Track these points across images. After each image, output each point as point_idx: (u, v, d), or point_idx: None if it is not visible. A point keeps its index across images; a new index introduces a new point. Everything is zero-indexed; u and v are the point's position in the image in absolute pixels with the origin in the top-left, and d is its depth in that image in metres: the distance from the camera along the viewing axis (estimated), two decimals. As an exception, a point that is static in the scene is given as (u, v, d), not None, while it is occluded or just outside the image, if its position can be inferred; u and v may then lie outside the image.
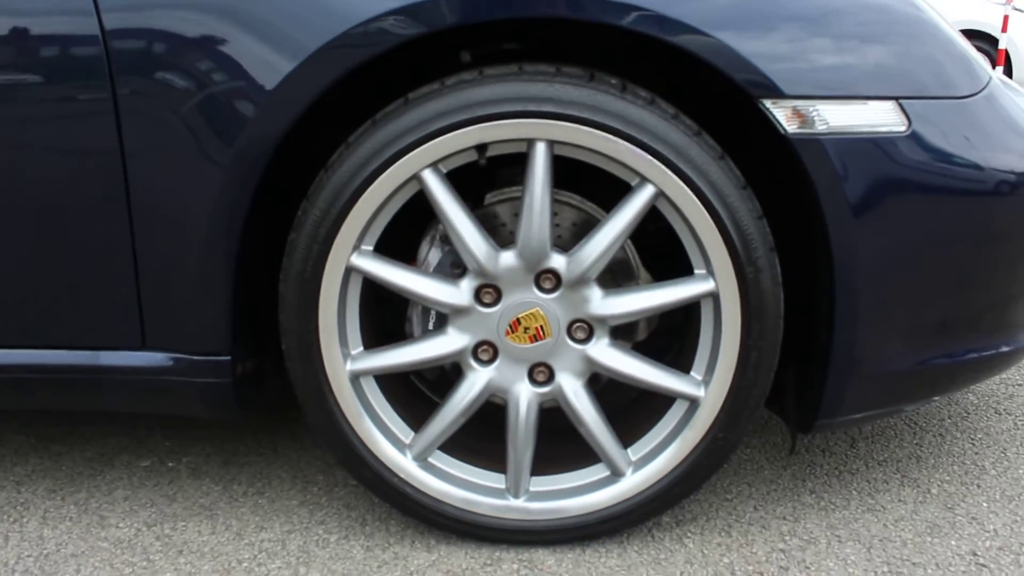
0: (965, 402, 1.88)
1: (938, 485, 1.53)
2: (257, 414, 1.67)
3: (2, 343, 1.35)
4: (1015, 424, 1.77)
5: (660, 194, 1.20)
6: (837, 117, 1.17)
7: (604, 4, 1.14)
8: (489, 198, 1.39)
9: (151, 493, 1.56)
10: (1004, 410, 1.83)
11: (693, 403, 1.29)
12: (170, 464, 1.66)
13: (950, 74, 1.23)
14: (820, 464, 1.62)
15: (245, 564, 1.34)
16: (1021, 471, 1.57)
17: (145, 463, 1.67)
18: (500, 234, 1.38)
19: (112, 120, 1.22)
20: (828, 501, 1.49)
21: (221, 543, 1.40)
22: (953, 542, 1.36)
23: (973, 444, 1.69)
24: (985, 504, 1.47)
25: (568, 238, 1.38)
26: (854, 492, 1.52)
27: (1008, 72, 8.15)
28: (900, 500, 1.49)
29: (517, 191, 1.39)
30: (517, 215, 1.26)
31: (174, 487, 1.58)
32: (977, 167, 1.23)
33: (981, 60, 1.31)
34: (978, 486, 1.53)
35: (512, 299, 1.27)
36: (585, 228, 1.38)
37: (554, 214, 1.26)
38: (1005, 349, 1.38)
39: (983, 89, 1.25)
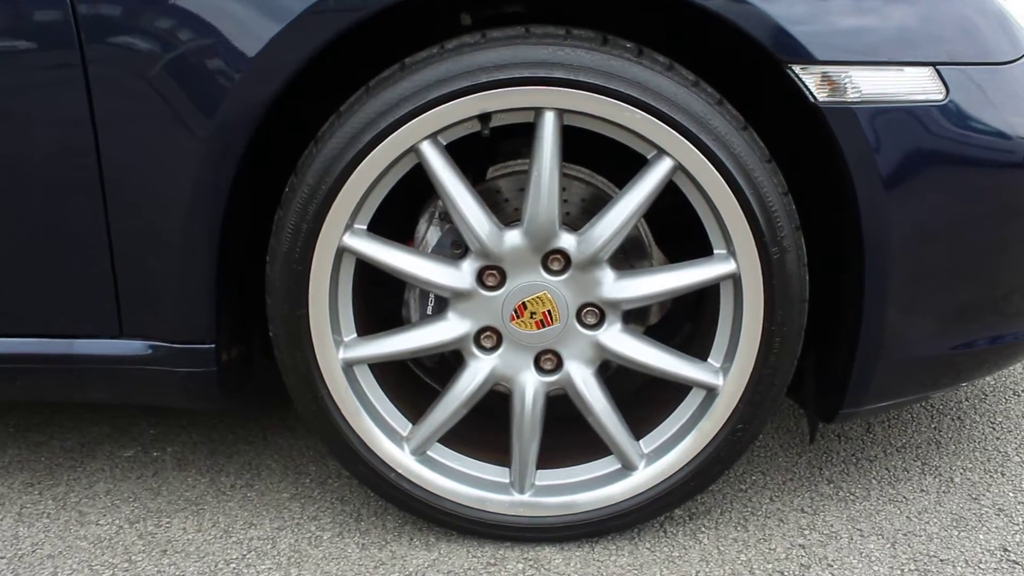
0: (982, 383, 1.81)
1: (960, 473, 1.47)
2: (244, 402, 1.59)
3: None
4: (1037, 407, 1.70)
5: (678, 168, 1.11)
6: (870, 84, 1.08)
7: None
8: (491, 172, 1.30)
9: (134, 486, 1.47)
10: (1023, 391, 1.76)
11: (711, 392, 1.21)
12: (155, 454, 1.58)
13: (990, 38, 1.14)
14: (836, 451, 1.55)
15: (233, 565, 1.26)
16: (1046, 458, 1.51)
17: (128, 453, 1.58)
18: (504, 211, 1.29)
19: (82, 88, 1.12)
20: (847, 491, 1.42)
21: (207, 541, 1.32)
22: (981, 536, 1.30)
23: (993, 428, 1.62)
24: (1012, 494, 1.40)
25: (577, 215, 1.29)
26: (873, 481, 1.45)
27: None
28: (922, 490, 1.42)
29: (522, 164, 1.29)
30: (523, 190, 1.16)
31: (158, 479, 1.49)
32: (1018, 138, 1.14)
33: (1021, 23, 1.22)
34: (1002, 474, 1.46)
35: (518, 282, 1.18)
36: (595, 204, 1.29)
37: (562, 189, 1.17)
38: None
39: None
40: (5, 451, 1.59)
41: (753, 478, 1.47)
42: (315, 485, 1.47)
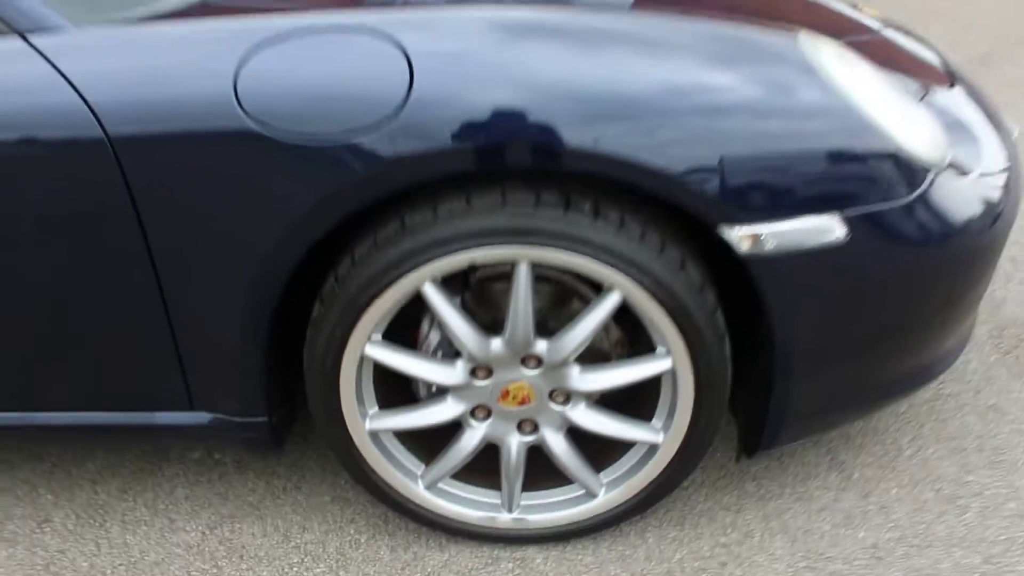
0: (899, 363, 2.15)
1: (859, 469, 1.85)
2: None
3: (74, 407, 1.60)
4: (936, 393, 2.06)
5: (626, 298, 1.40)
6: (784, 234, 1.34)
7: (570, 154, 1.28)
8: (478, 273, 1.58)
9: (206, 491, 1.87)
10: (930, 376, 2.11)
11: (654, 446, 1.57)
12: (216, 456, 1.96)
13: (890, 179, 1.37)
14: (765, 445, 1.92)
15: (296, 568, 1.68)
16: (930, 451, 1.89)
17: (195, 455, 1.96)
18: (490, 303, 1.58)
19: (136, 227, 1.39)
20: (766, 489, 1.81)
21: (272, 546, 1.73)
22: (861, 534, 1.70)
23: (896, 418, 1.98)
24: (895, 490, 1.79)
25: (548, 307, 1.58)
26: (789, 478, 1.84)
27: None
28: (825, 487, 1.81)
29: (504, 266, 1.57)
30: (506, 293, 1.46)
31: (224, 484, 1.88)
32: (903, 264, 1.42)
33: (929, 144, 1.43)
34: (893, 470, 1.84)
35: (502, 375, 1.50)
36: (563, 298, 1.57)
37: (535, 293, 1.45)
38: (916, 382, 1.65)
39: (923, 188, 1.40)
40: (95, 457, 1.97)
41: (695, 475, 1.85)
42: (348, 487, 1.86)
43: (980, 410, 2.00)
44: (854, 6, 2.12)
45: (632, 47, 1.36)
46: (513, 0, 1.46)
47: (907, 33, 2.05)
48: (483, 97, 1.28)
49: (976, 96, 1.85)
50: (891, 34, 1.97)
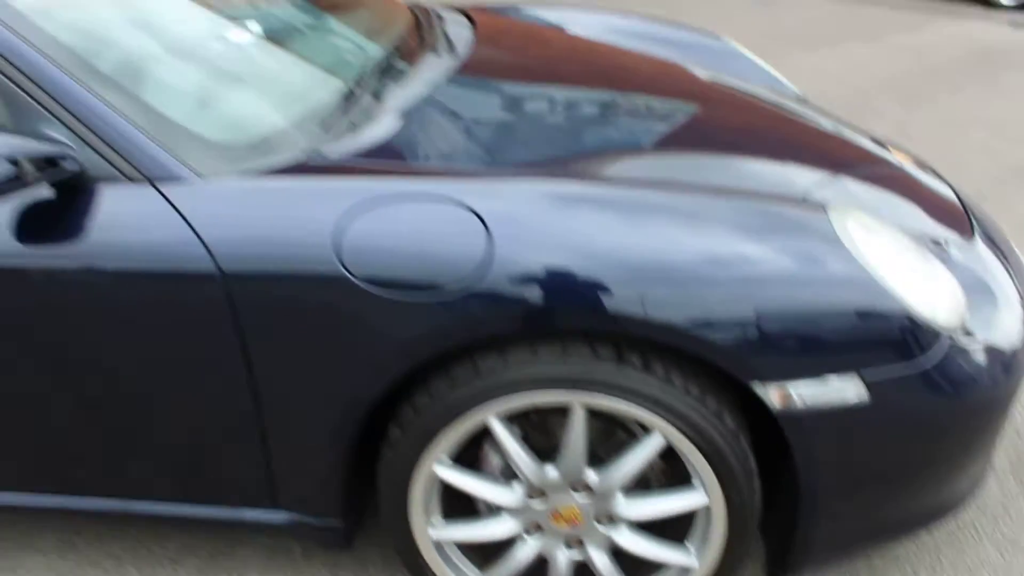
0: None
1: (878, 596, 1.98)
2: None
3: (174, 499, 1.82)
4: (957, 523, 2.18)
5: (668, 440, 1.59)
6: (810, 394, 1.52)
7: (623, 321, 1.48)
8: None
9: (277, 577, 2.06)
10: (951, 503, 2.24)
11: (688, 570, 1.73)
12: (286, 543, 2.15)
13: (909, 344, 1.55)
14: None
15: (357, 659, 1.85)
16: (947, 581, 2.02)
17: (269, 541, 2.16)
18: (549, 430, 1.77)
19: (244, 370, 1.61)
20: (790, 609, 1.95)
21: (337, 635, 1.91)
22: (877, 660, 1.83)
23: (917, 546, 2.11)
24: (912, 620, 1.92)
25: (597, 439, 1.76)
26: (812, 599, 1.97)
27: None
28: (846, 610, 1.94)
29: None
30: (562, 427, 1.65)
31: (293, 570, 2.07)
32: (921, 419, 1.59)
33: (947, 307, 1.61)
34: (910, 598, 1.97)
35: (554, 499, 1.69)
36: (610, 432, 1.76)
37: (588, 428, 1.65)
38: (934, 517, 1.79)
39: (940, 351, 1.56)
40: (174, 537, 2.17)
41: (724, 590, 2.00)
42: (406, 581, 2.04)
43: (998, 541, 2.12)
44: (881, 144, 2.32)
45: (675, 219, 1.57)
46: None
47: (930, 172, 2.24)
48: (548, 265, 1.49)
49: (995, 241, 2.02)
50: (915, 173, 2.16)
